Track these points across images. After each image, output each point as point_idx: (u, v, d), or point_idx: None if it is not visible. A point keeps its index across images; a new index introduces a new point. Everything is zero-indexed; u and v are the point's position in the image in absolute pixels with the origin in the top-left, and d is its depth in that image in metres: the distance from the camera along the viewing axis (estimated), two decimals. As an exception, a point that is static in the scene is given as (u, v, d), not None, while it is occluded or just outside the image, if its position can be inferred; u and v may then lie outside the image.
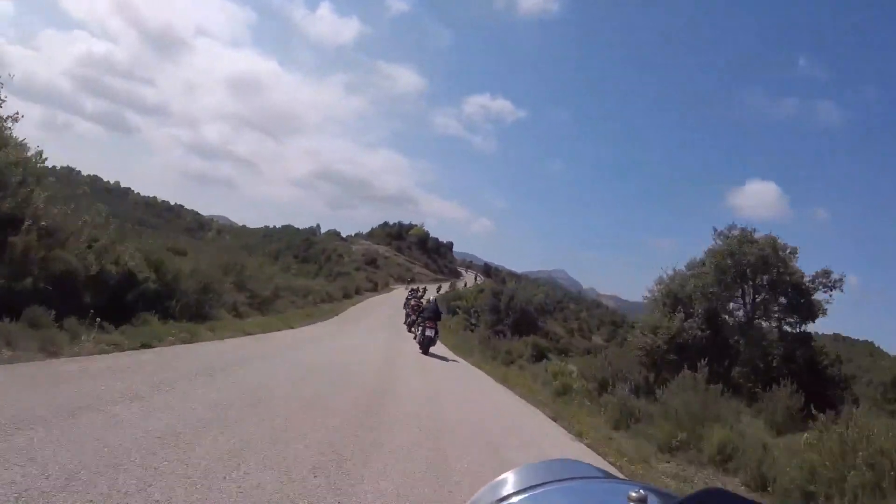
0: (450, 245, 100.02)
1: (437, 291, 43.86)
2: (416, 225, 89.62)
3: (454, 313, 33.44)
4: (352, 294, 33.51)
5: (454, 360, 15.50)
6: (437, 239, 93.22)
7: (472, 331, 26.60)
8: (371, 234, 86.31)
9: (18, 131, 7.57)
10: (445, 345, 18.39)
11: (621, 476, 1.04)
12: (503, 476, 0.67)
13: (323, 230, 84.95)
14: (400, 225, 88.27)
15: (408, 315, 19.74)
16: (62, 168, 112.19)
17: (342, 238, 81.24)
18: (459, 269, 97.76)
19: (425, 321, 14.63)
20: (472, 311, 29.54)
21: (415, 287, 31.22)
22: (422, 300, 20.34)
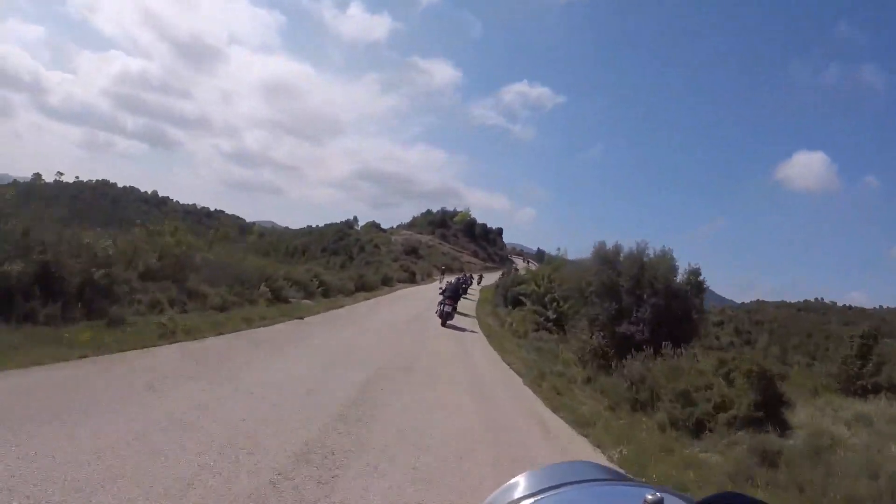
0: (499, 231, 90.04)
1: (479, 283, 41.78)
2: (460, 211, 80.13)
3: (515, 304, 23.76)
4: (374, 286, 24.45)
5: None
6: (484, 225, 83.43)
7: (551, 332, 16.80)
8: (413, 224, 77.63)
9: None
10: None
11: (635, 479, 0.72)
12: (515, 479, 0.65)
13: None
14: (443, 212, 79.07)
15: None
16: (97, 181, 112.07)
17: (381, 229, 72.99)
18: (511, 256, 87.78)
19: (445, 299, 17.03)
20: (547, 299, 19.57)
21: (458, 276, 28.87)
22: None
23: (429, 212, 78.29)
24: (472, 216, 79.88)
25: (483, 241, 79.90)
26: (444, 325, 16.13)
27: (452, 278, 24.26)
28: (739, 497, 0.48)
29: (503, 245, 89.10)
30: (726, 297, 73.13)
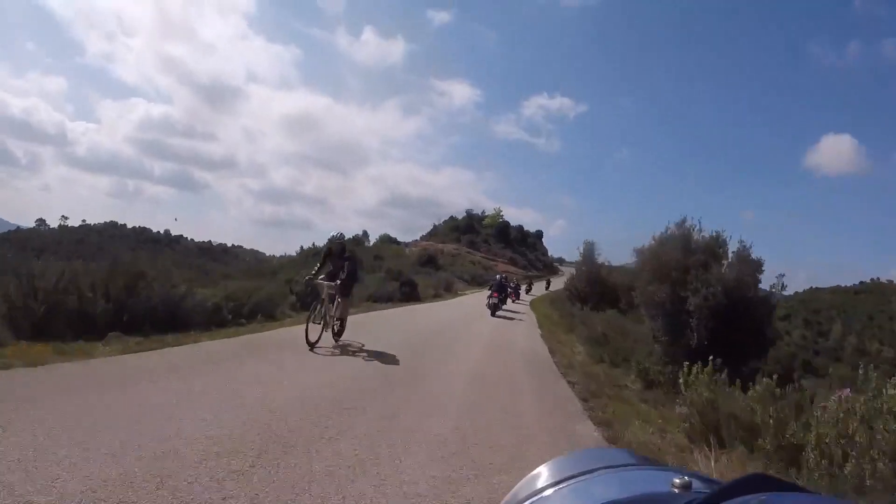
0: (538, 234, 77.27)
1: (527, 292, 38.70)
2: (488, 214, 68.06)
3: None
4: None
5: None
6: (521, 227, 70.93)
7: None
8: (434, 233, 66.01)
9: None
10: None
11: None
12: (541, 468, 0.65)
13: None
14: (469, 216, 67.14)
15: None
16: (106, 223, 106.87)
17: (395, 242, 61.70)
18: (556, 264, 74.79)
19: (492, 292, 20.48)
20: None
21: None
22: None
23: (452, 218, 66.44)
24: (505, 218, 67.60)
25: (521, 246, 67.42)
26: (493, 315, 19.11)
27: (498, 276, 25.20)
28: (766, 479, 0.46)
29: (545, 250, 76.14)
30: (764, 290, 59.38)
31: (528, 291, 38.75)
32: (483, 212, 68.74)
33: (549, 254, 76.21)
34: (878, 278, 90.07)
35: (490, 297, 20.12)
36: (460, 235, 62.81)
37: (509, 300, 26.23)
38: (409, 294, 23.30)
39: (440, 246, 58.09)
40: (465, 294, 35.84)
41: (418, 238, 65.16)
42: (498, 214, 66.77)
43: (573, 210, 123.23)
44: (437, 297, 29.12)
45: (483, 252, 60.64)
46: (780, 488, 0.47)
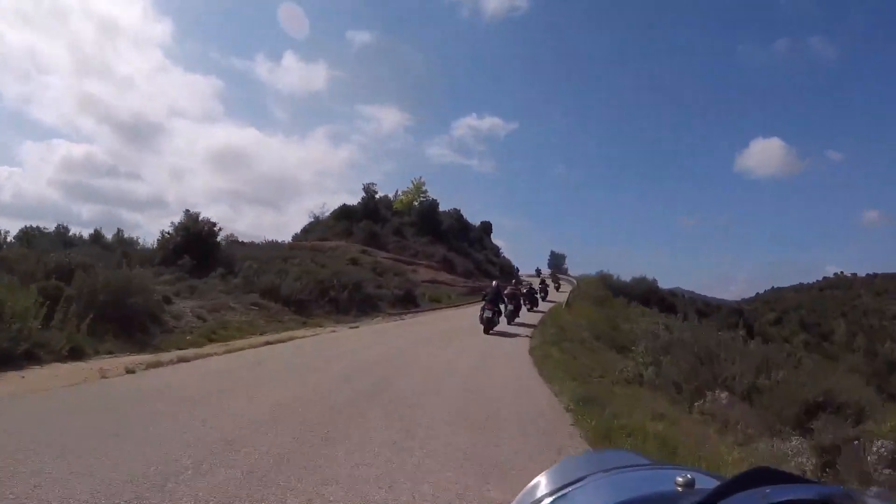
0: (485, 227, 51.12)
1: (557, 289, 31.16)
2: (403, 193, 41.11)
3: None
4: None
5: None
6: (459, 214, 44.36)
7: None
8: (309, 230, 38.32)
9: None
10: None
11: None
12: (544, 473, 0.65)
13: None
14: (371, 196, 39.85)
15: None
16: None
17: (241, 244, 33.55)
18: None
19: (485, 304, 15.04)
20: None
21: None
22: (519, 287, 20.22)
23: (344, 206, 38.94)
24: (431, 197, 40.80)
25: (460, 240, 40.67)
26: (487, 331, 14.49)
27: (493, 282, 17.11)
28: (769, 472, 0.47)
29: (497, 249, 49.83)
30: (709, 296, 61.94)
31: (557, 289, 31.32)
32: (397, 192, 41.75)
33: (502, 253, 50.09)
34: (842, 272, 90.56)
35: (484, 308, 15.01)
36: (352, 225, 35.50)
37: (524, 307, 19.73)
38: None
39: (316, 244, 30.68)
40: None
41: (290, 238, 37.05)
42: (418, 189, 40.08)
43: (511, 229, 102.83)
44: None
45: (392, 250, 33.50)
46: (783, 480, 0.46)
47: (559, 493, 0.58)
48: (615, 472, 0.61)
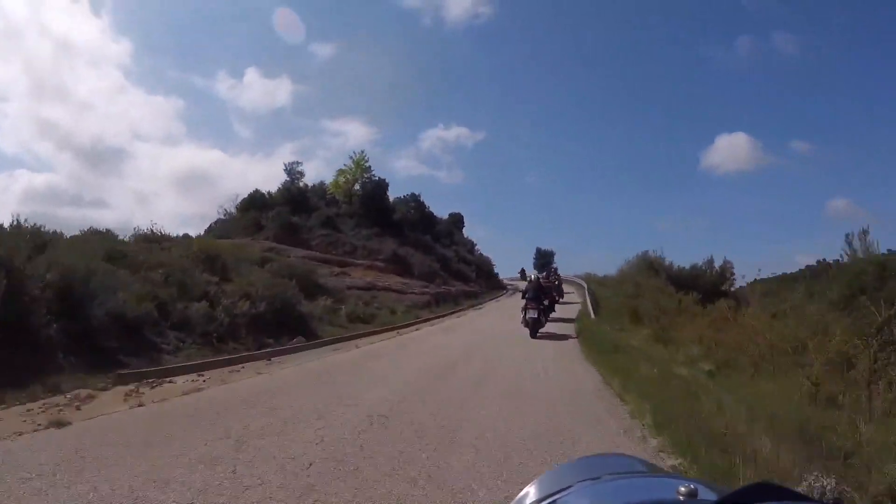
0: (456, 220, 41.35)
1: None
2: (342, 169, 30.56)
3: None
4: None
5: None
6: (418, 199, 34.28)
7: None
8: (212, 229, 27.76)
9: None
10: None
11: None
12: (533, 482, 0.64)
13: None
14: (290, 184, 29.47)
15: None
16: None
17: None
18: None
19: (527, 302, 13.08)
20: None
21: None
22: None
23: (257, 192, 28.60)
24: (375, 174, 30.50)
25: (421, 232, 30.66)
26: (533, 336, 12.57)
27: (532, 274, 16.85)
28: (770, 487, 0.46)
29: (471, 245, 39.92)
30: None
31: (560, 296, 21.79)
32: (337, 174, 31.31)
33: (477, 249, 40.18)
34: (825, 259, 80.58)
35: (525, 308, 13.10)
36: (259, 216, 25.34)
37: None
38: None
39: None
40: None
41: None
42: (360, 167, 29.56)
43: (483, 238, 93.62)
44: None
45: (318, 246, 23.41)
46: (784, 497, 0.46)
47: (564, 493, 0.56)
48: (619, 477, 0.60)
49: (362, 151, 30.43)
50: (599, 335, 12.32)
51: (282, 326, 10.37)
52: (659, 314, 13.64)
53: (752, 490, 0.46)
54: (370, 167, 29.83)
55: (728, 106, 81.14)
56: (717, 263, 21.19)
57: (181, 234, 20.20)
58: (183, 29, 75.77)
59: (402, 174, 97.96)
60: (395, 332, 13.32)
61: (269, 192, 28.74)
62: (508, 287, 35.66)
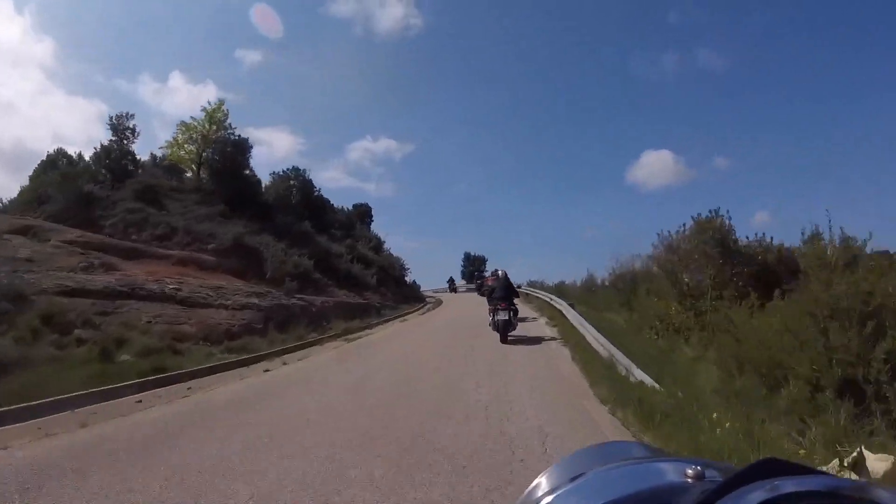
0: (363, 211, 34.38)
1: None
2: (186, 126, 22.18)
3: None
4: None
5: None
6: (302, 176, 26.92)
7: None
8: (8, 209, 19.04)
9: None
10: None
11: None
12: (544, 473, 0.63)
13: None
14: (113, 144, 21.19)
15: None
16: None
17: None
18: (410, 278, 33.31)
19: (496, 303, 11.68)
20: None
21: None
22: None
23: (51, 159, 20.04)
24: (237, 135, 22.53)
25: (299, 217, 23.30)
26: (504, 340, 11.24)
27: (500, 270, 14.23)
28: (777, 463, 0.47)
29: (379, 241, 32.86)
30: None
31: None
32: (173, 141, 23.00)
33: (387, 247, 33.32)
34: None
35: (496, 310, 11.55)
36: (50, 185, 17.21)
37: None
38: None
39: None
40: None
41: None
42: (213, 120, 21.57)
43: (413, 251, 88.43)
44: None
45: (113, 225, 15.67)
46: (793, 472, 0.47)
47: (576, 481, 0.56)
48: (628, 464, 0.60)
49: (220, 100, 22.47)
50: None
51: None
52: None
53: (758, 467, 0.45)
54: (230, 124, 22.01)
55: (652, 124, 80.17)
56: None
57: None
58: (107, 27, 64.58)
59: (330, 185, 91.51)
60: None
61: (78, 154, 20.57)
62: (428, 301, 29.03)
